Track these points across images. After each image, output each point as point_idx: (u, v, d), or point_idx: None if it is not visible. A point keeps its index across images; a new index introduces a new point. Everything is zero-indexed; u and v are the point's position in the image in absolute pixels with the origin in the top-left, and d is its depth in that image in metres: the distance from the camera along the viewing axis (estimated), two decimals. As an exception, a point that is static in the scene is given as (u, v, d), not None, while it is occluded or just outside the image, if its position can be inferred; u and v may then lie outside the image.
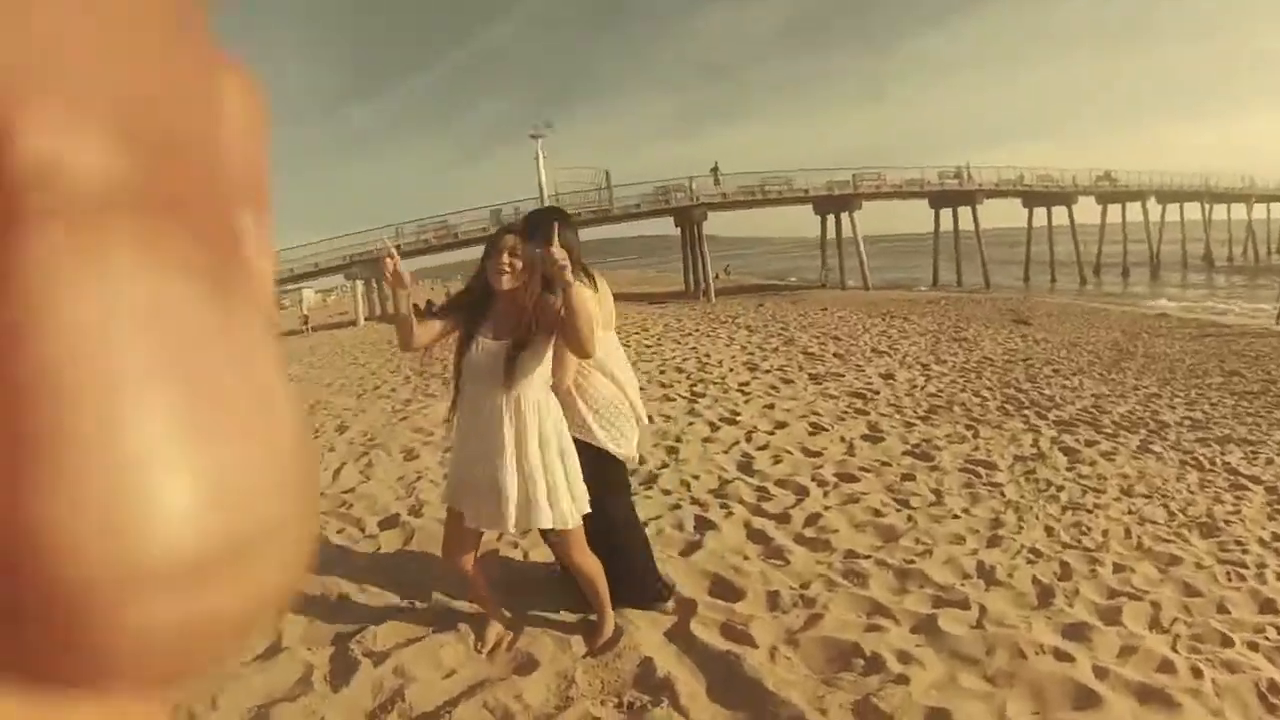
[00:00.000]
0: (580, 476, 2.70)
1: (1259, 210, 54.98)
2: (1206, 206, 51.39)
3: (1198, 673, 2.82)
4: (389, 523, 4.50)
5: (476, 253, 2.77)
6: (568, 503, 2.61)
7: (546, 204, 34.86)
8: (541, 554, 3.68)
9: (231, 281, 0.13)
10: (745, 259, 65.72)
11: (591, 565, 2.83)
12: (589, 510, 2.71)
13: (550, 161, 35.36)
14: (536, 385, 2.58)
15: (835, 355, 11.63)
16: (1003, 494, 5.01)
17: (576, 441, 2.74)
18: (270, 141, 0.15)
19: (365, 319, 32.85)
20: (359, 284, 34.60)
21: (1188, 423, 7.93)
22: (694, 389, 8.33)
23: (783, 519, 4.46)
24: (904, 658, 2.80)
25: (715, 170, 36.45)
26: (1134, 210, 47.20)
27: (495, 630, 2.98)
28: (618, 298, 3.28)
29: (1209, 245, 51.15)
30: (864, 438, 6.47)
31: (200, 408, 0.12)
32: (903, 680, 2.63)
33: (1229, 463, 6.37)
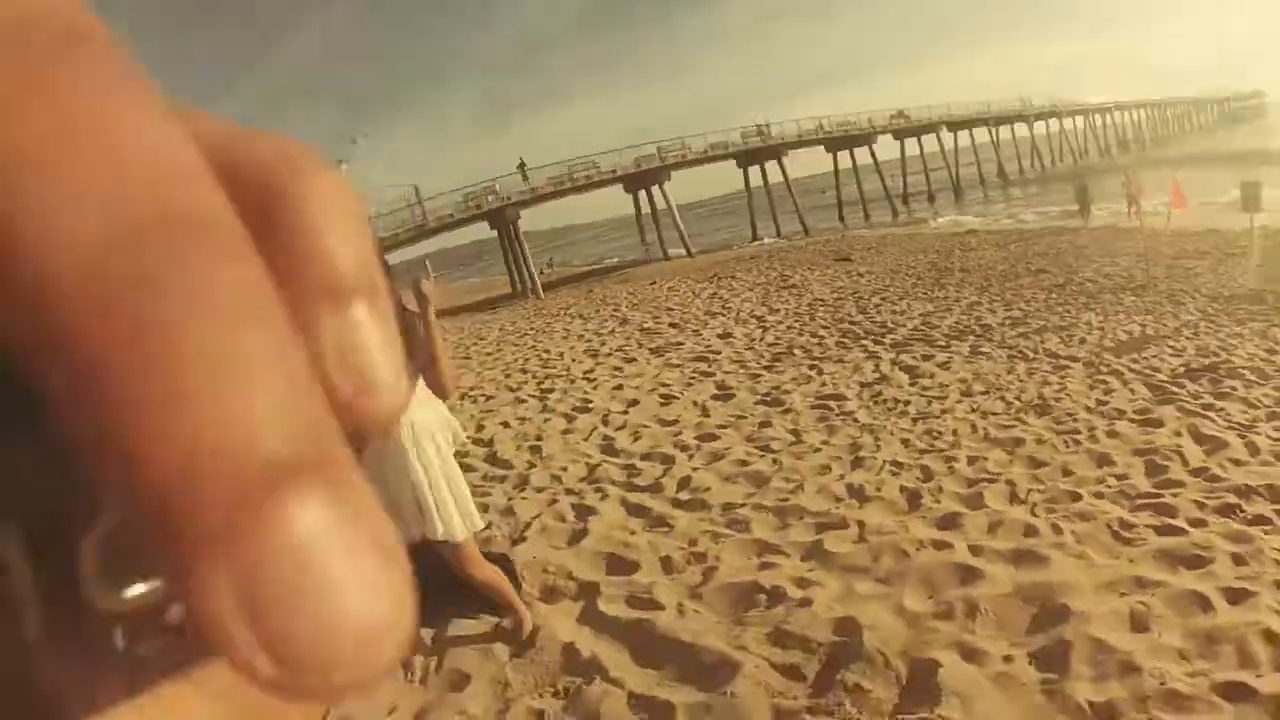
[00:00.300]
0: (468, 494, 2.84)
1: (1038, 127, 61.93)
2: (992, 129, 56.65)
3: (1057, 529, 3.19)
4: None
5: None
6: (456, 517, 2.73)
7: None
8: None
9: None
10: (565, 249, 65.89)
11: (489, 573, 2.92)
12: (480, 526, 2.88)
13: (361, 182, 34.38)
14: (415, 408, 2.67)
15: (671, 325, 11.96)
16: (856, 420, 5.38)
17: None
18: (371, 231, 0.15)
19: None
20: None
21: (1009, 322, 8.71)
22: (541, 386, 8.38)
23: (656, 489, 4.63)
24: (802, 583, 3.02)
25: (522, 166, 36.40)
26: (930, 142, 51.13)
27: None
28: (452, 312, 3.40)
29: (1000, 164, 55.98)
30: (714, 398, 6.75)
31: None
32: (806, 603, 2.83)
33: (1049, 349, 7.09)
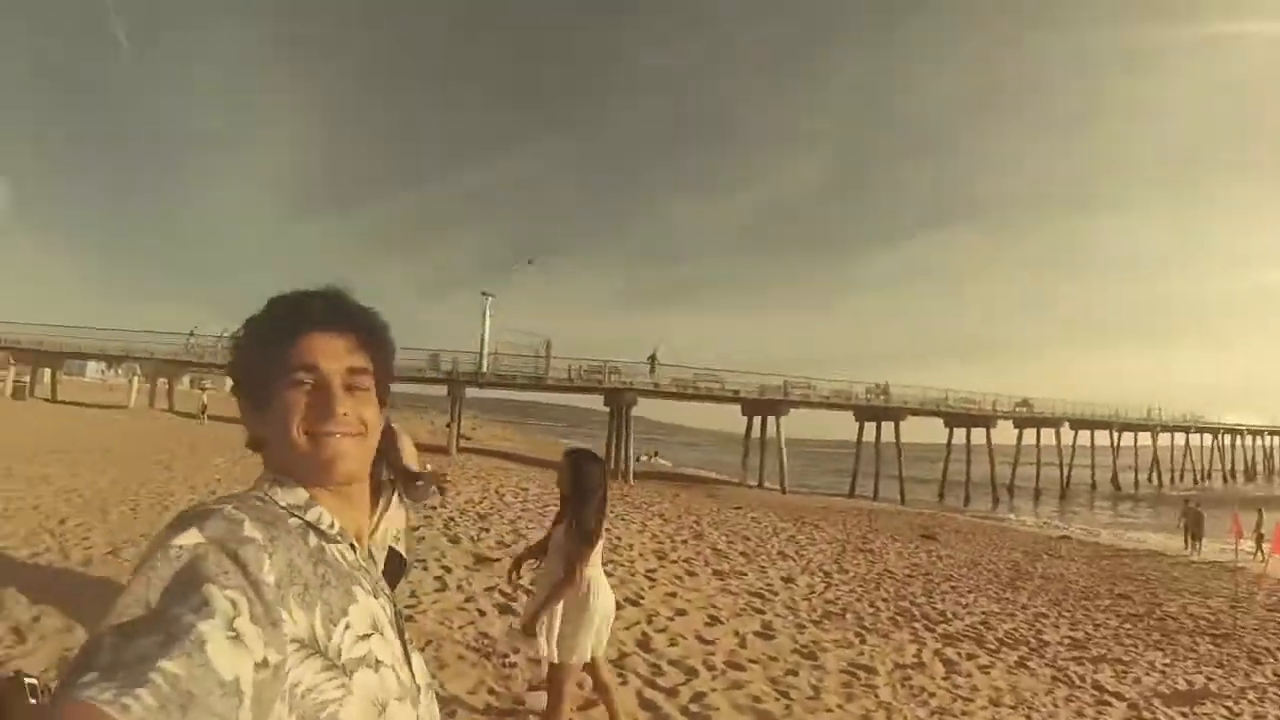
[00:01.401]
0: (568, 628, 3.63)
1: (1162, 439, 58.81)
2: (1115, 435, 54.68)
3: None
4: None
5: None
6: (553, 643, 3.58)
7: (485, 358, 35.59)
8: None
9: None
10: (669, 445, 66.49)
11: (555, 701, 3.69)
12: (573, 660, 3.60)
13: (499, 318, 36.37)
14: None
15: (742, 554, 11.94)
16: (877, 695, 5.32)
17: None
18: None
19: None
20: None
21: (1067, 642, 8.37)
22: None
23: (672, 693, 4.79)
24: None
25: (653, 358, 37.68)
26: (1048, 435, 49.91)
27: None
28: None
29: (1115, 471, 53.81)
30: (757, 634, 6.76)
31: None
32: None
33: (1098, 680, 6.80)
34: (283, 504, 0.91)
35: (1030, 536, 21.89)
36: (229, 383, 1.00)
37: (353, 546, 0.95)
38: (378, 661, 0.85)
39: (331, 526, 0.92)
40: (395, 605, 0.98)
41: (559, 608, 3.64)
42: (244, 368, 0.98)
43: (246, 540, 0.76)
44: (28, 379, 38.72)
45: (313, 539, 0.88)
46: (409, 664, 0.94)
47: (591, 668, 3.94)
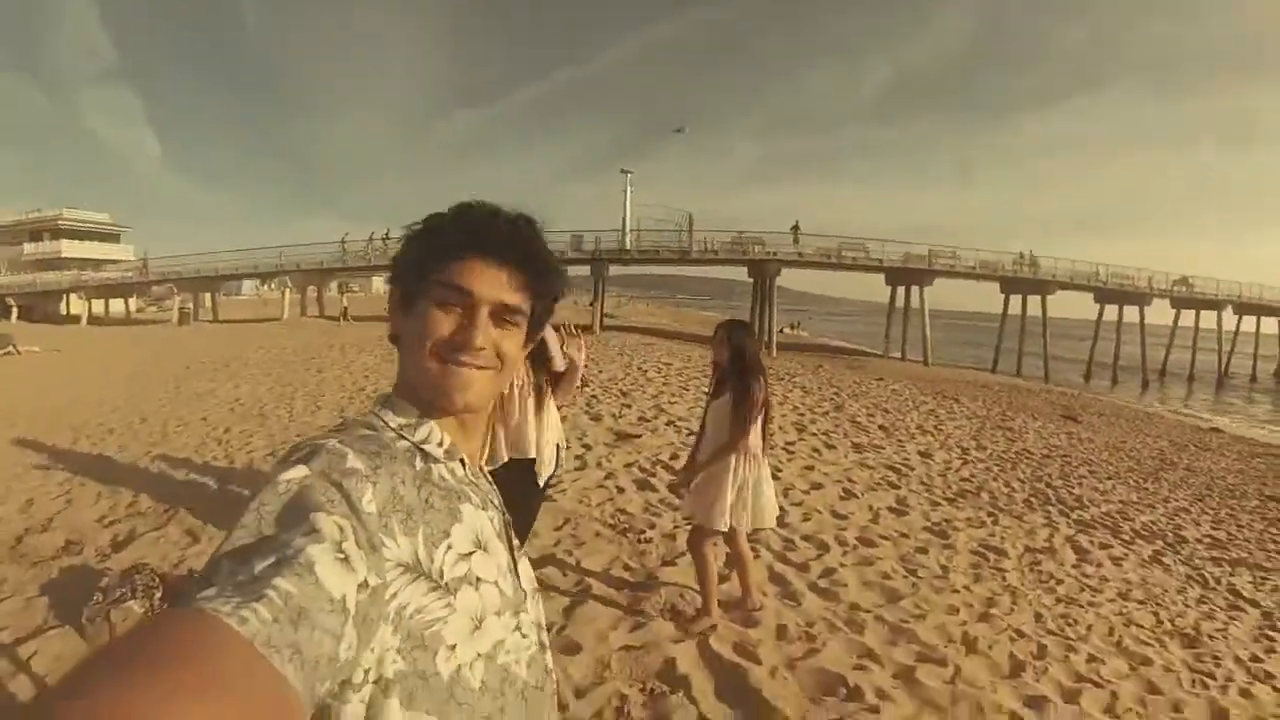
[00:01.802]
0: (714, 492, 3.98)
1: None
2: None
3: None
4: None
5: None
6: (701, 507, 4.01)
7: (628, 235, 36.01)
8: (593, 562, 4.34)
9: None
10: (813, 316, 65.86)
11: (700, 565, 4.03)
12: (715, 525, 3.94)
13: (637, 196, 36.56)
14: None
15: (880, 428, 12.07)
16: (1004, 579, 5.47)
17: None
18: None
19: None
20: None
21: (1207, 540, 8.19)
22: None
23: (802, 568, 5.06)
24: (881, 694, 3.35)
25: (796, 229, 37.14)
26: (1208, 319, 46.31)
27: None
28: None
29: (1282, 359, 49.70)
30: (890, 509, 6.97)
31: None
32: (874, 710, 3.18)
33: (1234, 584, 6.67)
34: (393, 425, 0.92)
35: (1178, 425, 20.86)
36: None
37: (462, 462, 0.96)
38: (478, 579, 0.87)
39: (440, 444, 0.93)
40: (504, 515, 1.00)
41: (713, 474, 3.92)
42: (403, 265, 0.98)
43: (350, 472, 0.77)
44: (191, 305, 42.33)
45: (419, 462, 0.89)
46: (515, 572, 0.96)
47: (731, 538, 4.11)
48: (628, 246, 36.18)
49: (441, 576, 0.82)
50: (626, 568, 4.93)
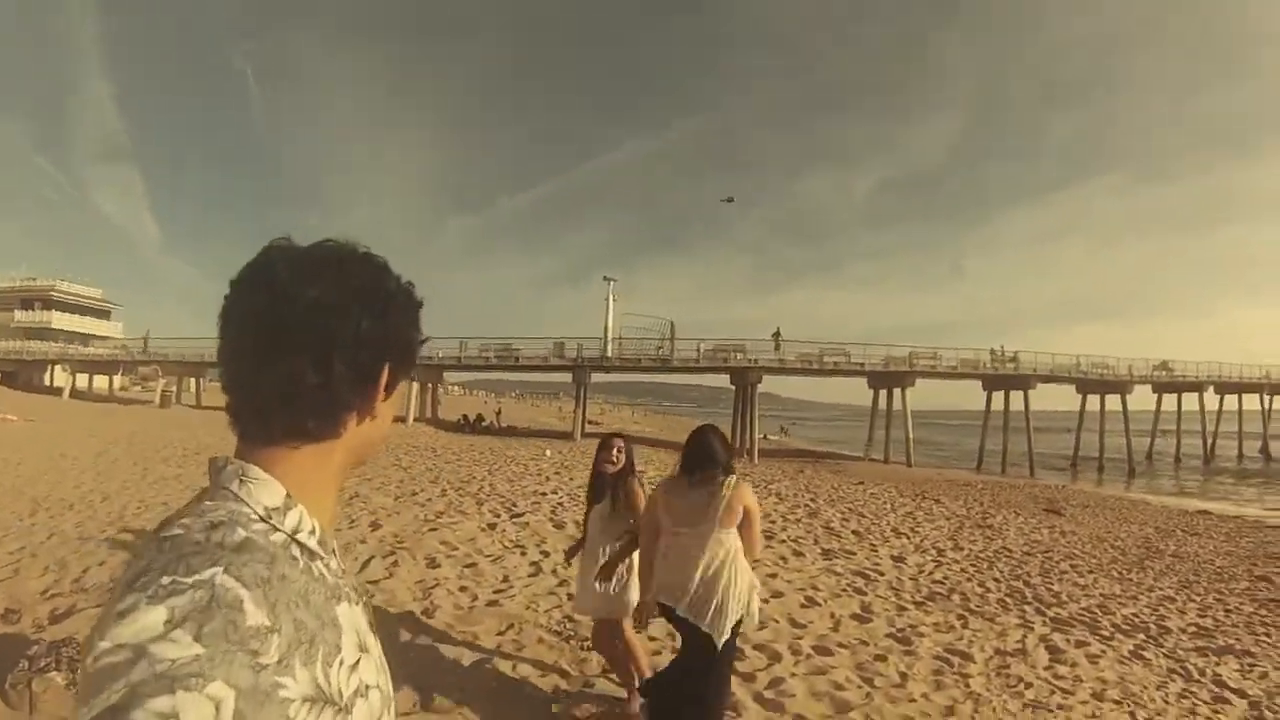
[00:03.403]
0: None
1: None
2: (1267, 398, 49.97)
3: None
4: (404, 619, 5.33)
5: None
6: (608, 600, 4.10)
7: (610, 343, 36.12)
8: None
9: None
10: (797, 423, 65.75)
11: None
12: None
13: (629, 304, 37.02)
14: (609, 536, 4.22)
15: (854, 533, 11.72)
16: (968, 685, 5.13)
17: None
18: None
19: (414, 419, 35.83)
20: (414, 385, 37.35)
21: (1192, 629, 7.82)
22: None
23: (748, 678, 4.79)
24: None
25: (777, 335, 37.37)
26: (1190, 401, 46.31)
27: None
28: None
29: (1266, 439, 49.50)
30: (853, 616, 6.65)
31: None
32: None
33: (1219, 674, 6.31)
34: (259, 510, 0.78)
35: (1165, 511, 20.49)
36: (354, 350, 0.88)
37: (334, 552, 0.85)
38: (366, 687, 0.78)
39: (312, 532, 0.82)
40: (368, 597, 0.89)
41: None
42: (401, 344, 0.90)
43: (252, 634, 0.66)
44: (175, 389, 42.30)
45: (301, 559, 0.78)
46: (382, 661, 0.85)
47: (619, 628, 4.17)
48: (609, 354, 36.22)
49: (340, 696, 0.73)
50: (564, 674, 4.72)
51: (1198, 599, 9.46)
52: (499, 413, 44.77)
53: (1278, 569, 12.14)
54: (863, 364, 37.77)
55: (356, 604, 0.83)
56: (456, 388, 66.97)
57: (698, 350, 37.11)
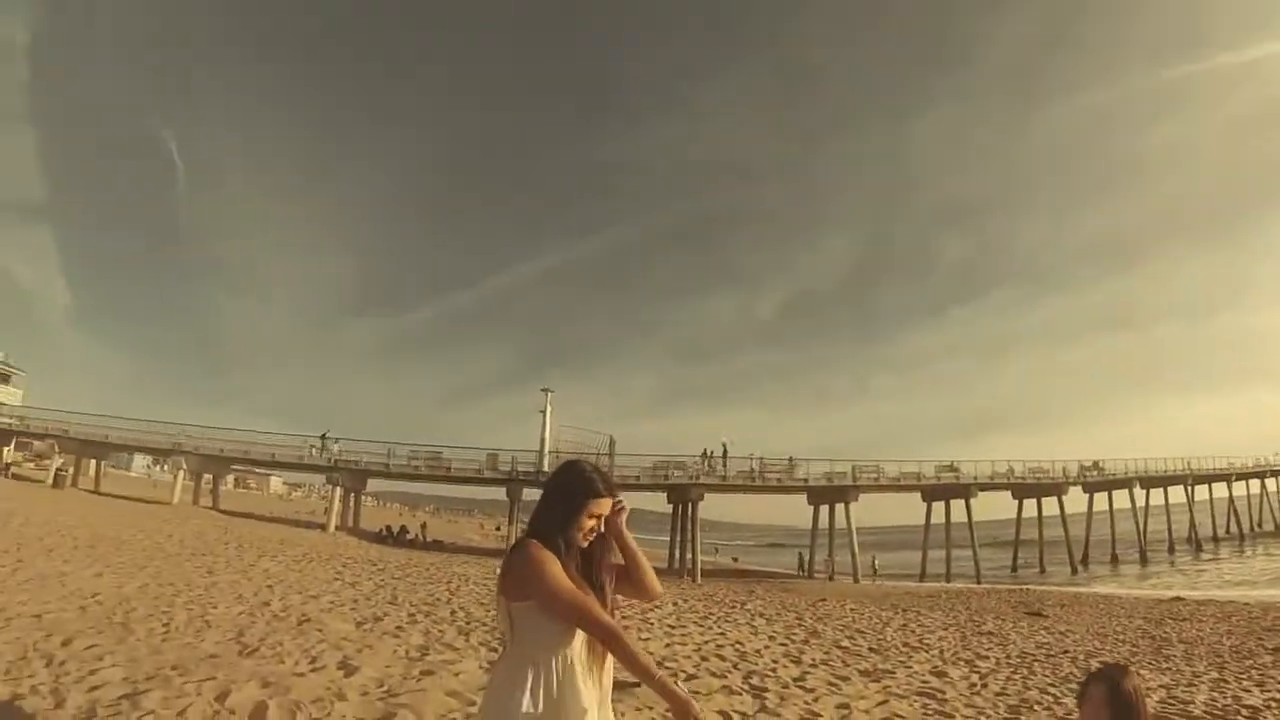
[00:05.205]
0: None
1: (1238, 488, 56.81)
2: (1189, 489, 52.41)
3: None
4: None
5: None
6: None
7: (546, 457, 34.12)
8: None
9: None
10: (719, 549, 64.95)
11: None
12: None
13: (534, 421, 35.31)
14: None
15: (871, 650, 11.08)
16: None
17: None
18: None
19: (335, 527, 33.14)
20: (338, 490, 35.05)
21: (1275, 704, 7.48)
22: (750, 682, 7.72)
23: None
24: None
25: (724, 451, 36.08)
26: (1121, 498, 48.11)
27: None
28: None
29: (1193, 526, 51.83)
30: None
31: None
32: None
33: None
34: None
35: (1140, 601, 20.62)
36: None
37: None
38: None
39: None
40: None
41: None
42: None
43: None
44: (72, 470, 37.97)
45: None
46: None
47: None
48: (546, 468, 33.67)
49: None
50: None
51: (1247, 677, 9.20)
52: (424, 526, 41.98)
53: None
54: (806, 479, 37.27)
55: None
56: (369, 499, 63.20)
57: (638, 469, 35.64)
